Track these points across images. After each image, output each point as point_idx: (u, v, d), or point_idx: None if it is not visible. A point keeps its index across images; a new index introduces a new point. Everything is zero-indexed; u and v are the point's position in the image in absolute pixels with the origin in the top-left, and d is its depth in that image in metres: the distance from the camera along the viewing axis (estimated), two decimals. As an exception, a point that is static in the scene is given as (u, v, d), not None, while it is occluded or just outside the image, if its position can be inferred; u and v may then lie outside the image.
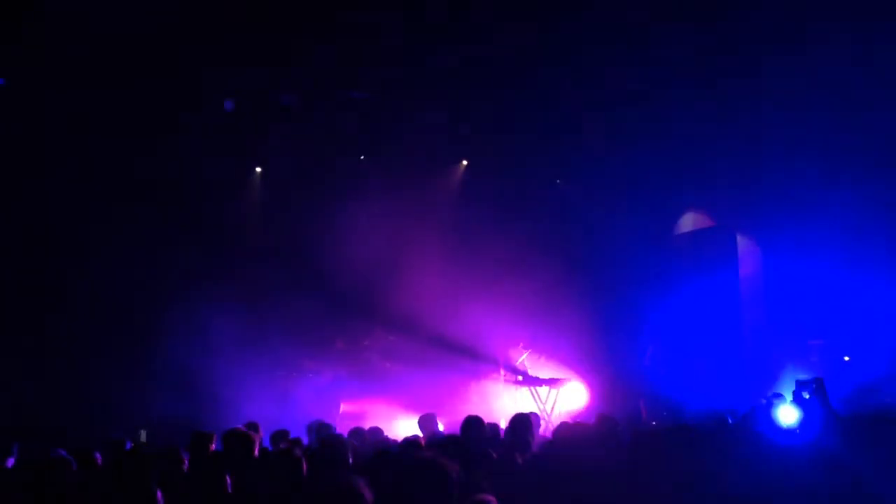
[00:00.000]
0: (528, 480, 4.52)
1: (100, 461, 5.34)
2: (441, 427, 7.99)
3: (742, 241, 12.64)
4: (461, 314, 12.51)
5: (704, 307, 12.37)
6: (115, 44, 9.73)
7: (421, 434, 7.32)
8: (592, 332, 12.59)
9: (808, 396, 5.37)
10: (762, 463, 4.27)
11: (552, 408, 12.15)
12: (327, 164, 12.92)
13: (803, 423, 5.23)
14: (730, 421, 5.90)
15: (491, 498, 3.17)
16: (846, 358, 12.82)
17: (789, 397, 5.56)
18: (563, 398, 12.37)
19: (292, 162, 12.90)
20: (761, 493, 3.98)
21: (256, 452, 4.81)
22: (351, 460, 5.31)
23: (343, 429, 7.24)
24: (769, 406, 5.97)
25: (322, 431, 6.85)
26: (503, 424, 6.78)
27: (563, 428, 5.26)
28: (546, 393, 12.35)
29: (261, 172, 13.37)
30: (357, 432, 6.68)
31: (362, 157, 13.44)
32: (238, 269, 12.40)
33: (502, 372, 12.76)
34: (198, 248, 11.99)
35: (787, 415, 5.53)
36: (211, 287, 11.56)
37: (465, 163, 13.98)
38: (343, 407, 12.00)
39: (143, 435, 9.86)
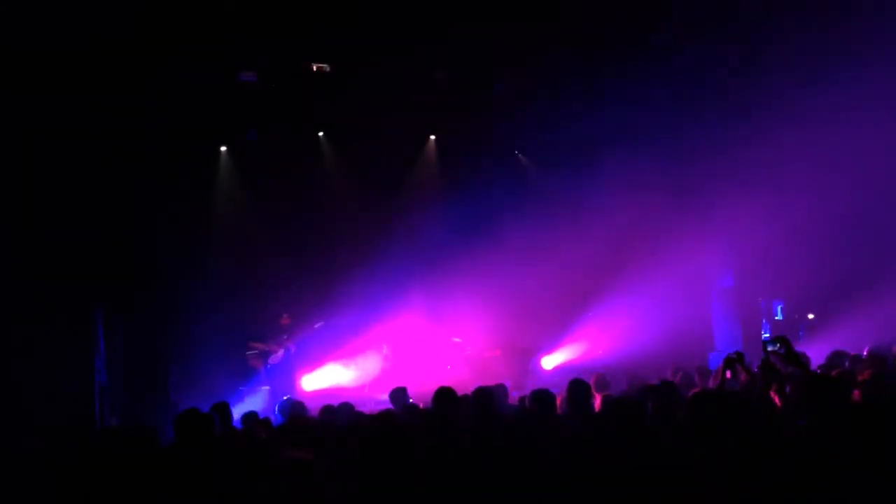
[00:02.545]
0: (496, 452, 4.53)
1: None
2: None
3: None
4: (432, 289, 12.54)
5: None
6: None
7: (393, 408, 7.36)
8: None
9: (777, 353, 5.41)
10: None
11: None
12: (287, 136, 12.68)
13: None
14: None
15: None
16: (810, 316, 13.06)
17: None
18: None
19: (257, 137, 12.67)
20: None
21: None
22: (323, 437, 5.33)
23: (314, 407, 7.25)
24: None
25: (293, 410, 6.85)
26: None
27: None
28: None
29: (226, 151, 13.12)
30: (328, 409, 6.70)
31: (321, 134, 13.27)
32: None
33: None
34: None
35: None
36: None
37: (433, 137, 13.86)
38: (309, 383, 11.97)
39: (112, 418, 9.77)
